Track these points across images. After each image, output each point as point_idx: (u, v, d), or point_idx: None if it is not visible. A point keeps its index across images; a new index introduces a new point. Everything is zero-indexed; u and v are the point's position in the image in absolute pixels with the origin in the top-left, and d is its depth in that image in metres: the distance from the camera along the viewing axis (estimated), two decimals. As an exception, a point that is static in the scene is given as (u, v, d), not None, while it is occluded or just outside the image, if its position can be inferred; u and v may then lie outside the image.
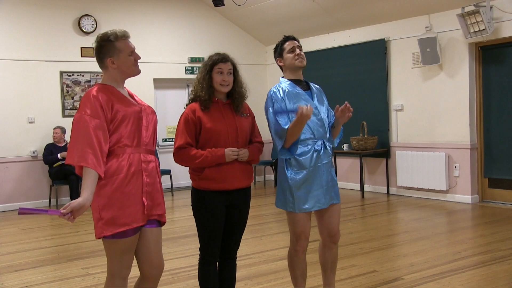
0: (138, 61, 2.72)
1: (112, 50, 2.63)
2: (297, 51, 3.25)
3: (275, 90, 3.20)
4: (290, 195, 3.15)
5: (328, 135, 3.27)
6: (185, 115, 2.96)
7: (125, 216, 2.55)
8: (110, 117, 2.56)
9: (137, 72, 2.73)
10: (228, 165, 2.95)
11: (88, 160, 2.44)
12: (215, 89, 2.98)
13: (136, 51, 2.70)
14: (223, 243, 3.07)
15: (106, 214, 2.53)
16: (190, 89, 3.20)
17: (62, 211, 2.38)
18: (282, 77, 3.31)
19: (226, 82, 2.99)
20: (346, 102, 3.21)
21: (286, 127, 3.07)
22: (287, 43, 3.27)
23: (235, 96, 3.04)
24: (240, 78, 3.09)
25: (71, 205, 2.39)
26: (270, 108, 3.16)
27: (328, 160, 3.24)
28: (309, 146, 3.16)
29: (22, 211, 2.34)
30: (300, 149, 3.15)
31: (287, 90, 3.18)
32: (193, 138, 2.94)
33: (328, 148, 3.24)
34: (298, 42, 3.31)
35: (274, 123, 3.11)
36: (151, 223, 2.69)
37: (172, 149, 3.01)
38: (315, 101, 3.24)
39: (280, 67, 3.33)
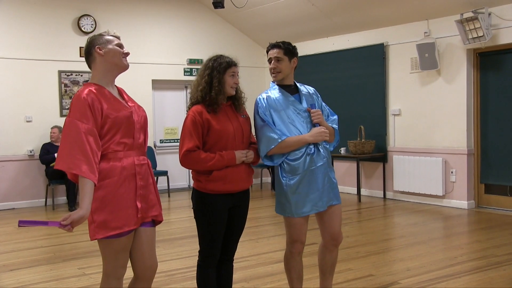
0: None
1: (101, 40, 2.65)
2: (271, 64, 3.21)
3: (261, 98, 3.19)
4: (287, 201, 3.15)
5: None
6: (192, 118, 2.90)
7: (117, 219, 2.52)
8: (100, 122, 2.52)
9: (123, 63, 2.67)
10: (235, 167, 2.95)
11: (82, 168, 2.40)
12: (225, 91, 2.97)
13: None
14: (222, 244, 3.06)
15: (98, 217, 2.51)
16: (189, 91, 3.14)
17: (62, 222, 2.35)
18: (272, 81, 3.30)
19: (236, 85, 3.01)
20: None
21: (279, 137, 3.06)
22: (268, 52, 3.25)
23: (237, 96, 3.05)
24: None
25: (71, 217, 2.36)
26: (256, 114, 3.16)
27: (323, 162, 3.20)
28: (302, 150, 3.14)
29: (22, 224, 2.31)
30: (293, 154, 3.14)
31: (275, 97, 3.17)
32: (200, 141, 2.91)
33: (322, 150, 3.19)
34: (281, 47, 3.20)
35: (265, 129, 3.09)
36: (145, 223, 2.67)
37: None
38: (304, 104, 3.22)
39: None
